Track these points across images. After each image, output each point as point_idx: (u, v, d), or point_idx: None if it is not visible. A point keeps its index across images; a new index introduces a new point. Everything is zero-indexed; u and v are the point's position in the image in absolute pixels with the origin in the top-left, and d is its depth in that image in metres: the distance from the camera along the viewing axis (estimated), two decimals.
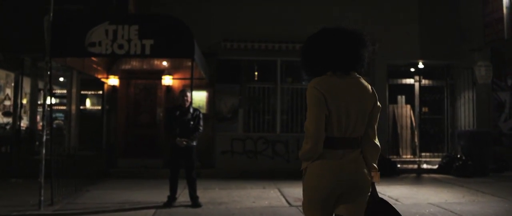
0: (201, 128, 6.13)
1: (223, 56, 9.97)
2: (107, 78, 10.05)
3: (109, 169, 9.54)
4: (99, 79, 9.80)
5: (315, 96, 2.14)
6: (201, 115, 6.18)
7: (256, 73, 10.38)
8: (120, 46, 6.10)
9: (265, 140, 9.77)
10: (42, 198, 5.89)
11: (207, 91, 10.02)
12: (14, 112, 9.89)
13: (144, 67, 10.15)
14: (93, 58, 8.43)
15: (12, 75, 9.94)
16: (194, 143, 6.12)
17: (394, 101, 11.13)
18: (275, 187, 7.87)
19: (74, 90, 10.39)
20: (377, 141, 2.27)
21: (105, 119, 10.26)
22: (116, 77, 9.99)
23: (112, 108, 10.19)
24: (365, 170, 2.22)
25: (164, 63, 9.99)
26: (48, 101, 6.47)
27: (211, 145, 9.73)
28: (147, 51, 6.02)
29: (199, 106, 9.73)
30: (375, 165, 2.27)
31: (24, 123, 10.44)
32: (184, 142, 5.94)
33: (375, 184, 2.30)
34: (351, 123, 2.16)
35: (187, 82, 9.25)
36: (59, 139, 10.69)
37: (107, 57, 8.27)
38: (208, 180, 8.50)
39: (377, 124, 2.27)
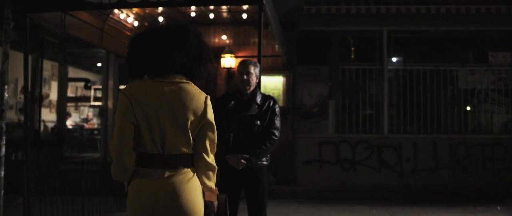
0: (276, 132, 4.19)
1: (305, 26, 9.21)
2: None
3: None
4: None
5: (122, 102, 2.24)
6: (277, 108, 4.28)
7: (352, 50, 9.71)
8: None
9: (367, 144, 8.87)
10: None
11: (284, 75, 9.42)
12: (31, 106, 8.88)
13: None
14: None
15: (29, 58, 8.56)
16: (265, 162, 4.17)
17: None
18: (387, 213, 7.13)
19: (111, 82, 9.86)
20: (210, 159, 2.33)
21: None
22: None
23: None
24: (197, 194, 2.27)
25: (224, 37, 9.30)
26: None
27: (290, 152, 8.95)
28: None
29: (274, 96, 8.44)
30: (209, 185, 2.35)
31: (48, 120, 9.93)
32: (244, 162, 4.00)
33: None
34: (168, 138, 2.22)
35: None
36: (92, 143, 10.98)
37: (121, 7, 7.14)
38: (287, 202, 7.81)
39: (213, 137, 2.34)
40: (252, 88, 4.10)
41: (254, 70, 4.10)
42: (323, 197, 8.05)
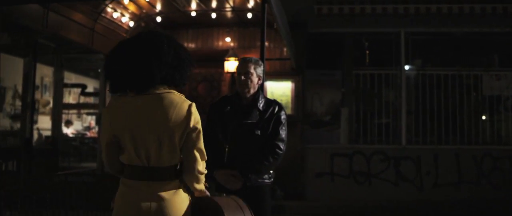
0: (281, 145, 3.63)
1: (316, 27, 9.06)
2: None
3: None
4: None
5: (103, 119, 2.36)
6: (283, 116, 3.71)
7: (367, 53, 9.64)
8: None
9: (383, 156, 8.64)
10: None
11: (293, 81, 9.23)
12: (23, 113, 8.90)
13: (200, 46, 9.38)
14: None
15: (22, 61, 9.06)
16: (267, 180, 3.63)
17: None
18: None
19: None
20: (200, 167, 2.36)
21: None
22: None
23: None
24: (183, 207, 2.32)
25: (228, 39, 9.12)
26: None
27: (299, 164, 8.85)
28: None
29: (281, 103, 8.15)
30: (199, 188, 2.40)
31: (41, 128, 10.05)
32: (236, 180, 3.49)
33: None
34: (152, 150, 2.27)
35: (265, 69, 8.43)
36: (92, 153, 10.81)
37: None
38: None
39: (200, 145, 2.36)
40: (252, 90, 3.57)
41: (254, 69, 3.56)
42: (334, 214, 7.93)
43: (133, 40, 2.34)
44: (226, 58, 8.96)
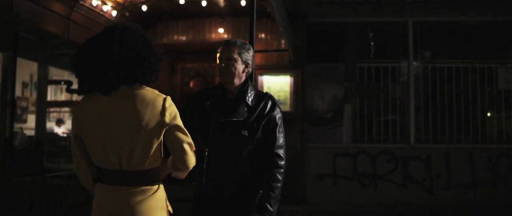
0: (281, 153, 3.06)
1: (316, 17, 8.92)
2: None
3: None
4: None
5: (72, 122, 2.35)
6: (278, 114, 3.14)
7: (372, 44, 9.39)
8: None
9: (390, 156, 8.45)
10: None
11: (292, 75, 8.87)
12: (3, 112, 8.50)
13: (191, 38, 9.11)
14: None
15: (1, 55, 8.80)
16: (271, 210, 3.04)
17: None
18: None
19: None
20: (190, 162, 2.35)
21: None
22: None
23: None
24: (158, 213, 2.28)
25: (220, 30, 8.80)
26: None
27: (299, 165, 8.55)
28: None
29: (279, 99, 8.71)
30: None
31: (29, 128, 9.74)
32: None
33: None
34: (124, 153, 2.20)
35: (259, 63, 8.54)
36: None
37: None
38: None
39: (183, 138, 2.32)
40: (237, 81, 2.99)
41: (239, 55, 2.98)
42: None
43: (92, 40, 2.30)
44: (219, 51, 8.44)
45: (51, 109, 11.02)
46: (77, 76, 2.33)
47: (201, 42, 9.17)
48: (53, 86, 11.34)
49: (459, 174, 8.18)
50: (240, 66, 2.94)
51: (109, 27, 2.32)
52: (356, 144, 8.69)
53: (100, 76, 2.21)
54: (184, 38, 9.09)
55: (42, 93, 9.61)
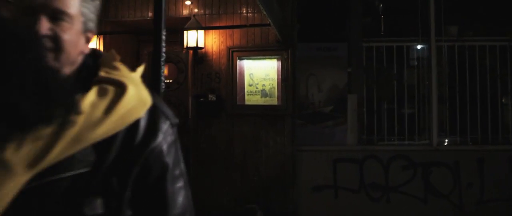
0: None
1: None
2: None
3: None
4: None
5: None
6: (169, 140, 1.32)
7: (382, 18, 8.78)
8: None
9: (407, 161, 7.51)
10: None
11: (279, 58, 7.85)
12: None
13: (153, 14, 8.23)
14: None
15: None
16: None
17: None
18: None
19: None
20: None
21: None
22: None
23: None
24: None
25: (187, 2, 7.87)
26: None
27: (289, 174, 7.73)
28: None
29: (264, 89, 8.11)
30: None
31: None
32: None
33: None
34: None
35: (238, 43, 8.00)
36: None
37: None
38: None
39: None
40: (68, 65, 1.39)
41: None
42: None
43: None
44: (186, 28, 7.36)
45: None
46: None
47: (166, 19, 8.17)
48: None
49: (496, 185, 7.03)
50: (74, 36, 1.37)
51: None
52: (363, 146, 7.60)
53: None
54: (143, 13, 7.99)
55: None
